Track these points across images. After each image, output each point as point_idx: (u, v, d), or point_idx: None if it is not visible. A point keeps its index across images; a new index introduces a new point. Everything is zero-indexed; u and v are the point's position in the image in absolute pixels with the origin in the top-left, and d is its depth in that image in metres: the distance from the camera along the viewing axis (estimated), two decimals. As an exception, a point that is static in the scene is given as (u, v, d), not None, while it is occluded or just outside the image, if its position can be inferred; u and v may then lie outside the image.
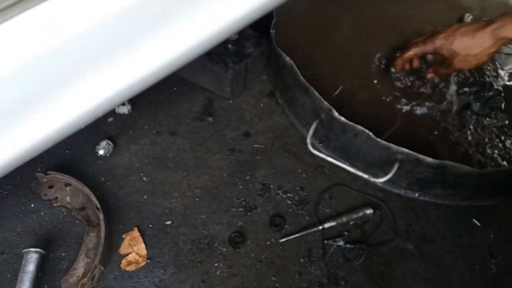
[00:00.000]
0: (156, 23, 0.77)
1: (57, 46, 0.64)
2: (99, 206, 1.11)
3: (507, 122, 1.40)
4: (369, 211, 1.24)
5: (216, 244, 1.17)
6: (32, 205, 1.19)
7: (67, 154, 1.30)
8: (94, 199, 1.13)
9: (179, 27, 0.80)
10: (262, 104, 1.48)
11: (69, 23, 0.65)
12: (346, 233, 1.21)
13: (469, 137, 1.36)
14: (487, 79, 1.49)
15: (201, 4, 0.82)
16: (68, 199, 1.17)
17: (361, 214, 1.23)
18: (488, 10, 1.69)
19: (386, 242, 1.21)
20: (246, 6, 0.89)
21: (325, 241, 1.19)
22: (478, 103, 1.40)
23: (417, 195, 1.29)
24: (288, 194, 1.27)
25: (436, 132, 1.36)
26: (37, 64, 0.64)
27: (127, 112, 1.39)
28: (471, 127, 1.37)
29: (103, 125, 1.36)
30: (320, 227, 1.20)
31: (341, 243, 1.19)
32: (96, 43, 0.69)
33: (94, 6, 0.66)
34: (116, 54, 0.75)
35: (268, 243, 1.18)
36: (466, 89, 1.44)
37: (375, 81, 1.45)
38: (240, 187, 1.27)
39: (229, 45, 1.41)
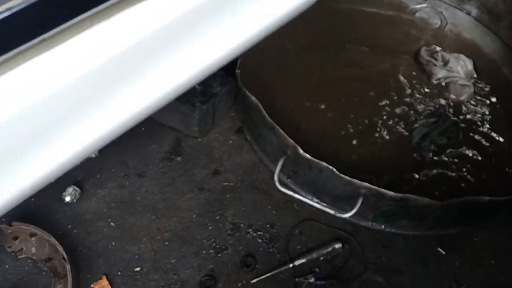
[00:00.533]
0: (124, 78, 0.79)
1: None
2: (65, 257, 1.09)
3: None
4: (338, 246, 1.26)
5: (187, 288, 1.17)
6: (-4, 257, 1.16)
7: (32, 203, 1.27)
8: (60, 249, 1.11)
9: (148, 79, 0.82)
10: (230, 141, 1.50)
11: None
12: (317, 270, 1.23)
13: (430, 166, 1.42)
14: (443, 111, 1.57)
15: (171, 55, 0.83)
16: (33, 250, 1.14)
17: (330, 249, 1.25)
18: (444, 44, 1.78)
19: (356, 277, 1.23)
20: (218, 53, 0.92)
21: (296, 279, 1.20)
22: (436, 134, 1.46)
23: (383, 226, 1.33)
24: (259, 232, 1.29)
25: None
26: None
27: (93, 156, 1.38)
28: (430, 156, 1.43)
29: (69, 170, 1.34)
30: (291, 265, 1.22)
31: (312, 280, 1.20)
32: (62, 103, 0.70)
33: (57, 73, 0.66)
34: (86, 108, 0.76)
35: (240, 284, 1.19)
36: (423, 120, 1.50)
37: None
38: (210, 227, 1.28)
39: (196, 85, 1.43)
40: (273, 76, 1.58)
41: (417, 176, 1.40)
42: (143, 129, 1.49)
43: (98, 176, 1.36)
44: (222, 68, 1.45)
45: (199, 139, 1.49)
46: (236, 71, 1.40)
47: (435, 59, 1.66)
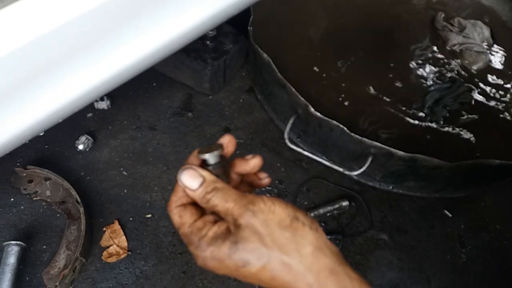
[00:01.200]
0: (132, 17, 0.79)
1: (36, 40, 0.65)
2: (79, 200, 1.12)
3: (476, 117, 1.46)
4: (345, 203, 1.28)
5: (196, 236, 1.19)
6: (12, 199, 1.19)
7: (47, 149, 1.30)
8: (74, 193, 1.14)
9: (155, 20, 0.82)
10: (241, 100, 1.51)
11: (49, 14, 0.66)
12: (323, 224, 1.25)
13: (441, 131, 1.42)
14: (457, 76, 1.55)
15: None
16: (48, 193, 1.17)
17: (337, 206, 1.27)
18: (461, 10, 1.75)
19: (361, 233, 1.26)
20: (223, 2, 0.91)
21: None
22: (449, 99, 1.46)
23: (391, 187, 1.34)
24: (267, 188, 1.30)
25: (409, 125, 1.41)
26: (13, 57, 0.65)
27: (106, 108, 1.40)
28: (442, 121, 1.42)
29: (82, 120, 1.37)
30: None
31: (317, 234, 1.22)
32: (72, 37, 0.70)
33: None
34: (93, 47, 0.76)
35: (247, 234, 1.21)
36: (436, 86, 1.49)
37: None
38: (220, 180, 1.30)
39: (207, 42, 1.43)
40: (286, 34, 1.57)
41: (428, 138, 1.40)
42: (155, 84, 1.50)
43: (110, 127, 1.38)
44: (235, 25, 1.46)
45: (210, 97, 1.49)
46: (249, 28, 1.39)
47: (451, 24, 1.64)
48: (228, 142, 0.53)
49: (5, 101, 0.70)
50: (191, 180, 0.48)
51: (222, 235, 0.46)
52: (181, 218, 0.50)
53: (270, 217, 0.45)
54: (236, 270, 0.45)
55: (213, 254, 0.45)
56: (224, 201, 0.47)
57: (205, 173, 0.49)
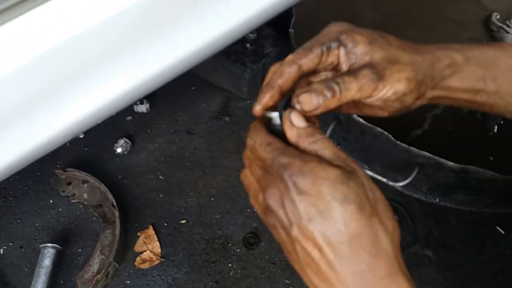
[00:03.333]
0: (172, 19, 0.77)
1: (75, 39, 0.64)
2: (115, 204, 1.12)
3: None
4: (387, 216, 1.21)
5: (230, 244, 1.17)
6: (51, 201, 1.21)
7: (86, 152, 1.31)
8: (110, 196, 1.14)
9: (195, 23, 0.80)
10: (280, 105, 1.46)
11: (88, 16, 0.65)
12: (363, 238, 1.19)
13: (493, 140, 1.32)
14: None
15: (218, 1, 0.81)
16: (85, 196, 1.18)
17: (379, 218, 1.21)
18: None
19: (404, 248, 1.18)
20: (263, 2, 0.88)
21: (341, 245, 1.17)
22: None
23: (437, 200, 1.26)
24: (305, 196, 1.26)
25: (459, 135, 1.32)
26: (53, 58, 0.64)
27: (145, 111, 1.40)
28: (495, 130, 1.33)
29: (121, 124, 1.37)
30: (336, 230, 1.18)
31: (357, 247, 1.16)
32: (113, 37, 0.69)
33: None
34: (133, 49, 0.75)
35: (283, 245, 1.17)
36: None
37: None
38: (256, 187, 1.26)
39: (247, 45, 1.40)
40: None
41: (480, 147, 1.31)
42: (193, 88, 1.49)
43: (149, 131, 1.38)
44: (276, 27, 1.43)
45: (248, 101, 1.46)
46: (290, 30, 1.35)
47: (508, 25, 1.53)
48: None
49: (48, 99, 0.70)
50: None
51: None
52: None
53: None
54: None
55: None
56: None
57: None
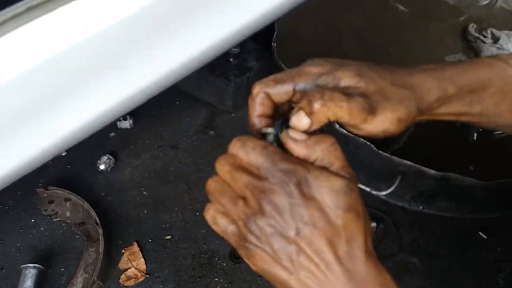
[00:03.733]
0: (154, 35, 0.78)
1: (56, 58, 0.64)
2: (98, 221, 1.11)
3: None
4: (373, 224, 1.22)
5: (216, 258, 1.16)
6: (33, 220, 1.19)
7: (68, 169, 1.30)
8: (93, 214, 1.13)
9: (178, 38, 0.81)
10: (264, 117, 1.47)
11: (66, 35, 0.65)
12: (349, 247, 1.19)
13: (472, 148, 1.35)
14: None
15: (201, 15, 0.82)
16: (68, 214, 1.16)
17: (364, 227, 1.22)
18: (494, 20, 1.69)
19: (390, 256, 1.19)
20: (245, 17, 0.89)
21: (328, 256, 1.17)
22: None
23: (421, 207, 1.27)
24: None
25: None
26: (34, 76, 0.64)
27: (128, 127, 1.39)
28: (475, 137, 1.36)
29: (104, 140, 1.37)
30: (322, 241, 1.19)
31: (344, 257, 1.16)
32: (93, 56, 0.69)
33: (92, 17, 0.66)
34: (115, 66, 0.75)
35: (269, 257, 1.17)
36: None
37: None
38: (241, 200, 1.26)
39: (231, 59, 1.41)
40: (311, 51, 1.54)
41: (459, 154, 1.33)
42: (177, 102, 1.49)
43: (132, 146, 1.37)
44: (259, 41, 1.44)
45: (233, 114, 1.47)
46: (273, 44, 1.37)
47: (484, 36, 1.57)
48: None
49: (28, 118, 0.69)
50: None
51: None
52: None
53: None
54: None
55: None
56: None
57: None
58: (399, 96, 0.46)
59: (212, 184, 0.45)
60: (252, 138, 0.44)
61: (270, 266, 0.42)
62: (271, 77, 0.47)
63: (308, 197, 0.40)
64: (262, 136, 0.46)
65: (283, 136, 0.44)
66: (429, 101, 0.48)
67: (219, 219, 0.44)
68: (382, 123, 0.45)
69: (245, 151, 0.43)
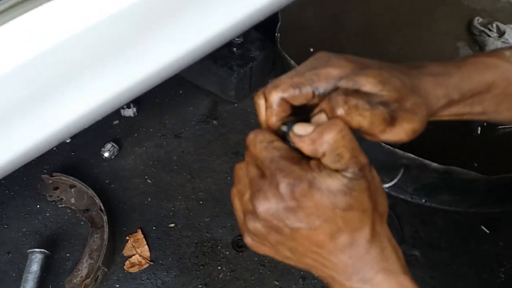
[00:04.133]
0: (157, 24, 0.78)
1: (59, 46, 0.64)
2: (103, 208, 1.12)
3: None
4: (374, 217, 1.22)
5: (219, 247, 1.17)
6: (38, 206, 1.20)
7: (73, 156, 1.31)
8: (98, 201, 1.14)
9: (181, 27, 0.80)
10: (268, 108, 1.47)
11: (71, 23, 0.65)
12: (351, 238, 1.20)
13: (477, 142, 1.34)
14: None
15: (204, 4, 0.82)
16: (72, 200, 1.17)
17: (366, 219, 1.22)
18: (499, 14, 1.67)
19: (391, 248, 1.20)
20: (249, 6, 0.89)
21: (329, 246, 1.18)
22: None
23: (423, 201, 1.28)
24: (293, 198, 1.27)
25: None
26: (38, 64, 0.64)
27: (132, 115, 1.40)
28: (478, 132, 1.35)
29: (108, 128, 1.37)
30: (324, 232, 1.19)
31: (345, 248, 1.17)
32: (97, 43, 0.69)
33: (96, 5, 0.66)
34: (118, 54, 0.75)
35: (272, 247, 1.18)
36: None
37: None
38: (244, 190, 1.27)
39: (234, 49, 1.41)
40: (315, 41, 1.53)
41: (463, 148, 1.33)
42: (181, 91, 1.49)
43: (136, 135, 1.38)
44: (262, 31, 1.44)
45: (236, 104, 1.47)
46: (276, 34, 1.36)
47: (489, 29, 1.56)
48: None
49: (32, 105, 0.70)
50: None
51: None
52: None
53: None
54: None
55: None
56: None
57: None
58: (415, 106, 0.44)
59: (236, 169, 0.45)
60: (265, 132, 0.43)
61: (272, 255, 0.44)
62: (288, 81, 0.44)
63: (301, 199, 0.39)
64: (282, 134, 0.44)
65: (291, 136, 0.42)
66: (436, 108, 0.48)
67: (235, 202, 0.45)
68: (398, 134, 0.44)
69: (254, 143, 0.43)
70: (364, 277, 0.42)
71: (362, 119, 0.41)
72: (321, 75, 0.44)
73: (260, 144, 0.42)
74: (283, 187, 0.39)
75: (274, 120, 0.44)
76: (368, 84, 0.43)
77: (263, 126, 0.45)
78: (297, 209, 0.39)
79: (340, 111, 0.41)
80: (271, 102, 0.44)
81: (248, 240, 0.44)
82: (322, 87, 0.43)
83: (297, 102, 0.44)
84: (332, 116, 0.41)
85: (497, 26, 1.57)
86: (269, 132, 0.43)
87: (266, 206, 0.40)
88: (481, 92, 0.50)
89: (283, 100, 0.44)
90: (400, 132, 0.44)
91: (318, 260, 0.42)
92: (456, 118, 0.53)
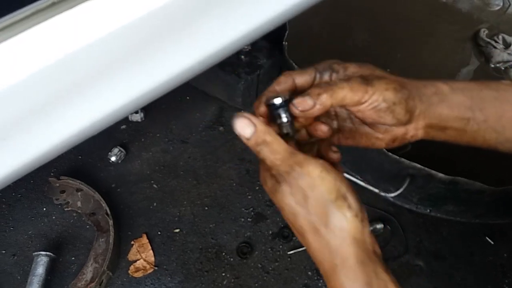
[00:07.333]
0: (169, 33, 0.78)
1: (70, 56, 0.65)
2: (109, 212, 1.12)
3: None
4: (379, 226, 1.23)
5: (223, 253, 1.17)
6: (44, 209, 1.21)
7: (80, 160, 1.31)
8: (104, 205, 1.14)
9: (191, 38, 0.81)
10: (274, 115, 1.48)
11: (80, 33, 0.66)
12: (355, 247, 1.20)
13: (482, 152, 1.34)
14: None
15: (214, 15, 0.82)
16: (79, 204, 1.18)
17: (371, 228, 1.22)
18: (506, 26, 1.68)
19: (396, 258, 1.20)
20: (259, 18, 0.90)
21: (334, 255, 1.18)
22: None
23: (428, 210, 1.28)
24: (297, 206, 1.27)
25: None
26: (49, 73, 0.65)
27: (139, 120, 1.41)
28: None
29: (116, 132, 1.38)
30: (329, 240, 1.19)
31: (349, 257, 1.17)
32: (108, 53, 0.70)
33: (106, 17, 0.67)
34: (129, 64, 0.76)
35: (276, 254, 1.18)
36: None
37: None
38: (249, 197, 1.27)
39: (242, 56, 1.42)
40: (322, 49, 1.54)
41: (468, 159, 1.33)
42: (188, 97, 1.50)
43: (143, 140, 1.38)
44: (270, 40, 1.45)
45: (242, 111, 1.47)
46: (284, 43, 1.37)
47: (495, 41, 1.56)
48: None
49: (47, 112, 0.70)
50: (243, 128, 0.49)
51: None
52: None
53: (317, 183, 0.46)
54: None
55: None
56: (272, 155, 0.47)
57: (258, 122, 0.48)
58: (393, 77, 0.53)
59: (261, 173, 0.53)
60: (263, 132, 0.49)
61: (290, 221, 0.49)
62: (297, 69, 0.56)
63: (305, 196, 0.46)
64: (269, 107, 0.51)
65: (290, 107, 0.50)
66: (426, 93, 0.53)
67: (267, 180, 0.51)
68: (380, 92, 0.50)
69: (257, 144, 0.50)
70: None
71: (343, 90, 0.49)
72: (320, 63, 0.56)
73: (265, 145, 0.49)
74: (286, 186, 0.48)
75: (274, 86, 0.54)
76: (350, 67, 0.53)
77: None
78: (302, 203, 0.47)
79: (321, 90, 0.50)
80: (278, 78, 0.55)
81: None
82: (321, 70, 0.54)
83: (303, 80, 0.54)
84: (316, 97, 0.50)
85: (503, 37, 1.58)
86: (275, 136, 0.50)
87: (281, 200, 0.47)
88: (473, 96, 0.54)
89: (291, 78, 0.54)
90: (382, 90, 0.50)
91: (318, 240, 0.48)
92: (464, 127, 0.54)
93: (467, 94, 0.54)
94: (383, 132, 0.54)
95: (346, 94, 0.49)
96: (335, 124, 0.57)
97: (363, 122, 0.55)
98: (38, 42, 0.63)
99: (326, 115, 0.57)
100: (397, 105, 0.51)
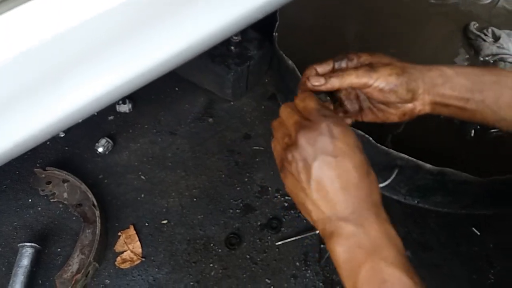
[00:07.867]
0: (154, 19, 0.77)
1: (54, 39, 0.64)
2: (95, 203, 1.11)
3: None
4: (367, 217, 1.23)
5: (212, 244, 1.17)
6: (30, 200, 1.19)
7: (66, 151, 1.30)
8: (91, 196, 1.13)
9: (178, 23, 0.80)
10: (263, 107, 1.48)
11: (65, 16, 0.65)
12: (343, 238, 1.20)
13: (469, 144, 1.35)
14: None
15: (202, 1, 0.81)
16: (65, 195, 1.17)
17: (359, 219, 1.22)
18: (495, 19, 1.69)
19: (383, 248, 1.20)
20: (247, 4, 0.89)
21: (322, 246, 1.18)
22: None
23: (416, 202, 1.28)
24: (286, 197, 1.27)
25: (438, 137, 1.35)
26: (32, 57, 0.64)
27: (127, 111, 1.39)
28: (472, 135, 1.36)
29: (103, 123, 1.36)
30: (317, 231, 1.20)
31: (338, 247, 1.17)
32: (93, 37, 0.69)
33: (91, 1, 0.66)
34: (114, 48, 0.75)
35: (265, 244, 1.18)
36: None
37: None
38: (238, 188, 1.27)
39: (232, 47, 1.41)
40: (313, 41, 1.54)
41: (457, 151, 1.34)
42: (177, 89, 1.49)
43: (131, 131, 1.37)
44: (260, 31, 1.44)
45: (232, 103, 1.47)
46: (274, 34, 1.36)
47: (485, 34, 1.57)
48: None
49: (26, 97, 0.69)
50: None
51: None
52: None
53: (349, 132, 0.58)
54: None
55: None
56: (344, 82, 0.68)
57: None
58: (398, 63, 0.67)
59: (274, 123, 0.64)
60: (311, 94, 0.63)
61: (294, 187, 0.58)
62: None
63: (335, 137, 0.56)
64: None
65: (305, 81, 0.70)
66: (430, 75, 0.66)
67: (275, 147, 0.62)
68: (384, 77, 0.64)
69: (303, 98, 0.61)
70: (359, 217, 0.57)
71: (350, 76, 0.65)
72: (338, 55, 0.72)
73: (309, 99, 0.60)
74: (324, 125, 0.56)
75: (309, 73, 0.72)
76: (363, 55, 0.69)
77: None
78: (328, 143, 0.56)
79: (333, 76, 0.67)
80: (307, 69, 0.73)
81: (283, 172, 0.60)
82: (338, 60, 0.70)
83: (322, 69, 0.70)
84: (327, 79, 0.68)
85: (492, 31, 1.58)
86: (313, 95, 0.63)
87: (308, 135, 0.56)
88: (474, 79, 0.64)
89: (313, 69, 0.71)
90: (385, 75, 0.65)
91: (325, 198, 0.56)
92: (464, 105, 0.65)
93: (469, 78, 0.64)
94: (395, 108, 0.69)
95: (353, 80, 0.65)
96: (356, 105, 0.74)
97: (378, 101, 0.69)
98: (14, 27, 0.62)
99: (349, 98, 0.74)
100: (399, 87, 0.64)
